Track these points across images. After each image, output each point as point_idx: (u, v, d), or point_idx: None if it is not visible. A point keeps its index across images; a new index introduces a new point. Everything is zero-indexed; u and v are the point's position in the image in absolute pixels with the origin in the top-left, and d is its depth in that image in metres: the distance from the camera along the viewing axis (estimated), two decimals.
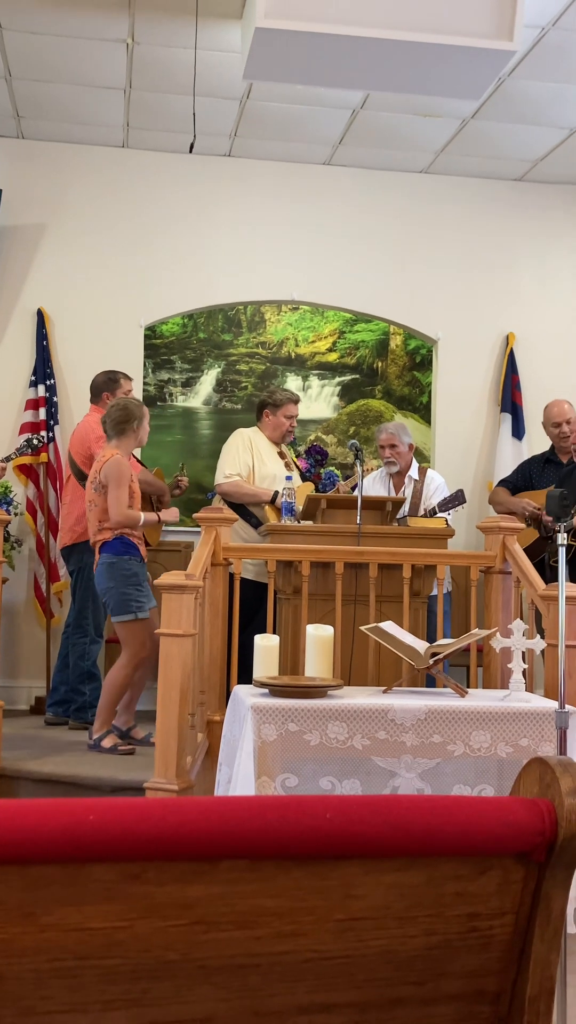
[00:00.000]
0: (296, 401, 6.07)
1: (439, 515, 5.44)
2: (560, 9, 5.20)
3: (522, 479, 6.21)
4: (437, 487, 5.92)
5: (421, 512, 5.69)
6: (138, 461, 5.93)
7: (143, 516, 5.04)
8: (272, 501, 5.62)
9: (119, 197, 7.01)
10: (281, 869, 1.38)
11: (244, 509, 5.77)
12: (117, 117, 6.60)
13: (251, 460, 5.80)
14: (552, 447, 6.19)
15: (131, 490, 5.10)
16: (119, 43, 5.68)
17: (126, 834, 1.30)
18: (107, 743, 5.12)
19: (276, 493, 5.62)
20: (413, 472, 5.98)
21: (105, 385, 5.97)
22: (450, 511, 5.49)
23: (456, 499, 5.46)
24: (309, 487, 5.83)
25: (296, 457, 6.70)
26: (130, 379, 6.11)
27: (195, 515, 4.83)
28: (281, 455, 5.97)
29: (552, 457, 6.17)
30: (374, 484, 6.04)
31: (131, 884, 1.33)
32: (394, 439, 5.92)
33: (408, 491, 5.89)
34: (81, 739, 5.44)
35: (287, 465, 5.93)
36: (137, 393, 6.96)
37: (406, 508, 5.70)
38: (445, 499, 5.54)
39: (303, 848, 1.38)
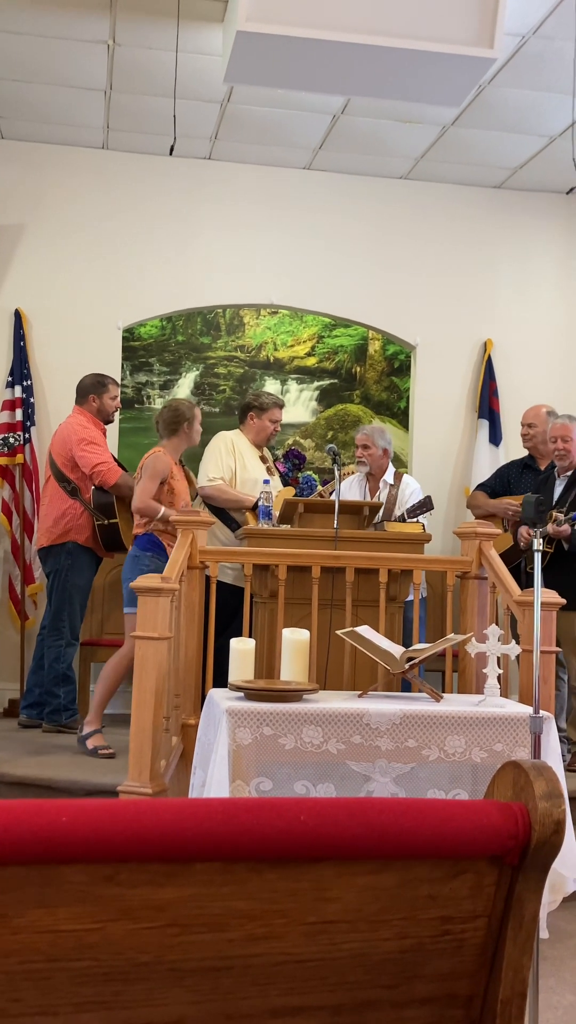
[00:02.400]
0: (281, 406, 6.08)
1: (408, 522, 5.46)
2: (541, 18, 5.22)
3: (500, 484, 6.24)
4: (412, 492, 5.93)
5: (394, 518, 5.71)
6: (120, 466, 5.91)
7: (163, 510, 5.12)
8: (255, 507, 5.62)
9: (98, 198, 7.00)
10: (254, 871, 1.37)
11: (225, 513, 5.75)
12: (97, 118, 6.59)
13: (234, 464, 5.79)
14: (530, 452, 6.22)
15: (171, 487, 5.24)
16: (100, 44, 5.67)
17: (99, 836, 1.30)
18: (91, 743, 5.16)
19: (259, 499, 5.61)
20: (388, 477, 5.99)
21: (93, 388, 5.96)
22: (418, 517, 5.52)
23: (424, 506, 5.49)
24: (291, 491, 5.82)
25: (274, 461, 6.70)
26: (117, 385, 6.12)
27: (171, 517, 4.82)
28: (263, 459, 5.96)
29: (530, 462, 6.20)
30: (351, 488, 6.05)
31: (104, 886, 1.33)
32: (368, 440, 5.94)
33: (383, 496, 5.90)
34: (55, 742, 5.43)
35: (268, 470, 5.92)
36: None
37: (382, 512, 5.71)
38: (414, 505, 5.56)
39: (276, 850, 1.37)
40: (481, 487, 6.35)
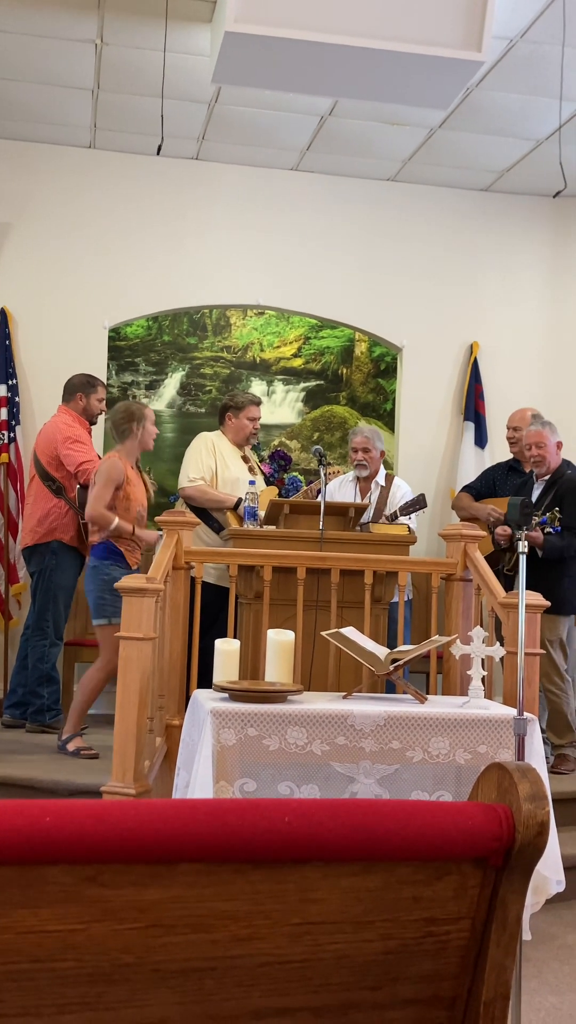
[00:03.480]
0: (258, 403, 6.04)
1: (400, 519, 5.47)
2: (529, 21, 5.24)
3: (486, 486, 6.26)
4: (403, 495, 5.94)
5: (384, 517, 5.72)
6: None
7: (117, 521, 5.00)
8: (235, 507, 5.61)
9: (85, 198, 6.98)
10: (238, 873, 1.37)
11: (207, 514, 5.75)
12: (85, 118, 6.57)
13: (215, 464, 5.78)
14: (515, 456, 6.24)
15: (126, 493, 5.10)
16: (88, 43, 5.66)
17: (83, 836, 1.29)
18: (72, 746, 5.14)
19: (239, 500, 5.60)
20: (380, 479, 6.00)
21: (82, 387, 5.94)
22: (411, 515, 5.52)
23: (418, 503, 5.50)
24: (273, 491, 5.82)
25: (260, 462, 6.69)
26: (105, 387, 6.11)
27: (157, 518, 4.81)
28: (245, 459, 5.95)
29: (515, 465, 6.22)
30: (341, 488, 6.05)
31: (87, 887, 1.32)
32: (368, 443, 5.94)
33: (374, 497, 5.91)
34: (38, 742, 5.41)
35: (251, 469, 5.91)
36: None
37: (370, 514, 5.72)
38: (407, 503, 5.56)
39: (261, 852, 1.37)
40: (466, 489, 6.37)
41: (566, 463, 5.64)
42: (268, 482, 6.29)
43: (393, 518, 5.61)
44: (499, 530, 5.65)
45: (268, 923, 1.39)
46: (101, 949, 1.34)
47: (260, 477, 5.97)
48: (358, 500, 5.89)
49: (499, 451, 7.04)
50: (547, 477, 5.53)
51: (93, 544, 5.16)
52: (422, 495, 5.60)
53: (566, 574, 5.37)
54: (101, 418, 6.14)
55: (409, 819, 1.42)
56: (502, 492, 6.09)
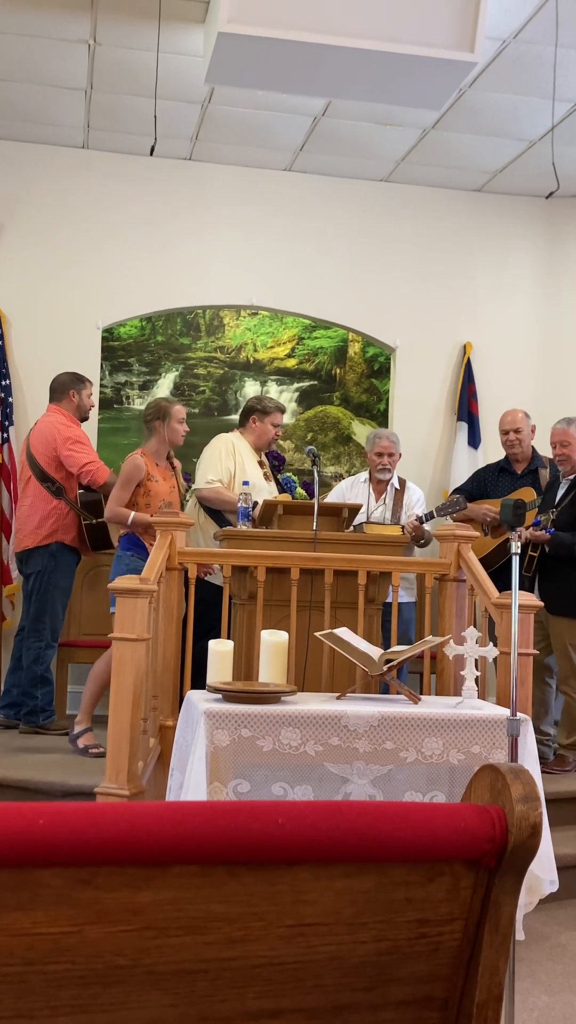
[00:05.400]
0: (283, 411, 6.08)
1: (437, 519, 5.66)
2: (522, 22, 5.24)
3: (477, 487, 6.26)
4: (418, 498, 6.08)
5: (404, 519, 5.86)
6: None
7: (133, 515, 5.13)
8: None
9: (78, 198, 6.98)
10: (232, 874, 1.37)
11: (220, 515, 5.73)
12: (78, 118, 6.57)
13: (233, 466, 5.75)
14: (506, 456, 6.24)
15: (147, 488, 5.28)
16: (81, 43, 5.66)
17: (76, 839, 1.29)
18: (82, 742, 5.20)
19: (255, 503, 5.60)
20: (395, 482, 6.07)
21: (72, 384, 5.93)
22: (447, 515, 5.66)
23: (456, 504, 5.74)
24: (285, 498, 5.78)
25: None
26: (91, 383, 6.09)
27: (152, 519, 4.81)
28: (261, 464, 5.93)
29: (506, 466, 6.22)
30: (353, 489, 6.09)
31: (81, 889, 1.32)
32: (392, 448, 6.07)
33: (389, 499, 5.97)
34: (32, 743, 5.42)
35: (265, 475, 5.89)
36: (94, 395, 6.93)
37: (386, 516, 5.80)
38: (445, 504, 5.79)
39: (254, 853, 1.37)
40: (458, 491, 6.38)
41: None
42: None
43: (428, 517, 5.83)
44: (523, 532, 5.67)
45: (261, 925, 1.39)
46: (95, 951, 1.34)
47: (274, 484, 5.96)
48: (372, 502, 5.94)
49: (492, 451, 7.05)
50: (572, 476, 5.51)
51: (121, 536, 5.35)
52: (461, 497, 5.74)
53: None
54: (96, 415, 6.15)
55: (402, 820, 1.43)
56: (494, 493, 6.10)
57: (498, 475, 6.23)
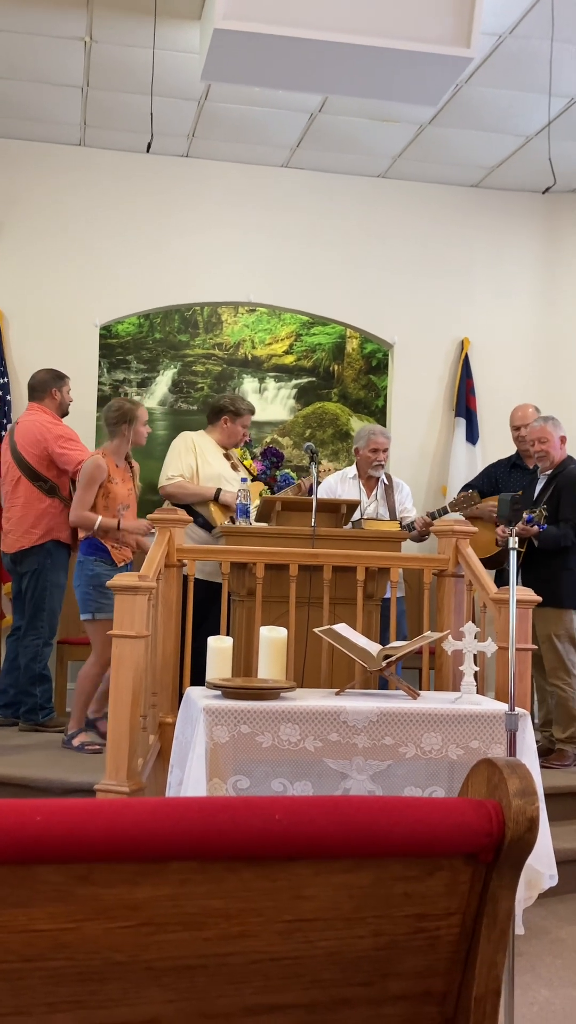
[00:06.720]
0: (254, 412, 6.12)
1: (450, 515, 5.67)
2: (517, 18, 5.24)
3: (488, 483, 6.24)
4: (407, 493, 6.09)
5: (412, 513, 5.90)
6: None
7: (100, 520, 5.07)
8: (216, 498, 5.62)
9: (76, 195, 6.97)
10: (230, 870, 1.37)
11: (190, 509, 5.74)
12: (74, 115, 6.56)
13: (194, 461, 5.76)
14: (517, 451, 6.24)
15: (107, 490, 5.19)
16: (77, 41, 5.65)
17: (74, 835, 1.29)
18: (77, 741, 5.20)
19: (219, 490, 5.62)
20: (383, 477, 6.07)
21: (53, 381, 5.91)
22: (461, 511, 5.73)
23: (469, 500, 5.73)
24: (259, 487, 5.82)
25: (251, 459, 6.68)
26: (69, 379, 6.06)
27: (149, 516, 4.81)
28: (227, 456, 5.94)
29: (518, 461, 6.22)
30: (343, 484, 6.08)
31: (79, 885, 1.32)
32: (388, 445, 6.10)
33: (379, 494, 5.97)
34: (31, 740, 5.42)
35: (233, 466, 5.91)
36: (92, 393, 6.93)
37: (378, 511, 5.80)
38: (457, 499, 5.79)
39: (252, 849, 1.38)
40: (469, 487, 6.34)
41: (570, 458, 5.67)
42: (260, 480, 6.30)
43: (442, 512, 5.84)
44: (498, 530, 5.68)
45: (260, 920, 1.39)
46: (93, 948, 1.34)
47: (243, 473, 5.97)
48: (365, 498, 5.94)
49: (490, 447, 7.05)
50: (550, 472, 5.56)
51: (80, 540, 5.27)
52: (475, 492, 5.75)
53: (566, 567, 5.39)
54: (93, 414, 6.14)
55: (399, 816, 1.43)
56: (505, 489, 6.08)
57: (509, 471, 6.23)
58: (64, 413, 5.96)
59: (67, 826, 1.29)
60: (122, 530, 5.20)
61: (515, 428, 6.21)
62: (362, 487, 6.03)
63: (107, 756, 3.89)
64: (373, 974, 1.46)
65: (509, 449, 6.46)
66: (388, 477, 6.11)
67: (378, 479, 6.03)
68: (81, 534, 5.24)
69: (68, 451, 5.67)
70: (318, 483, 5.03)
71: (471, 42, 4.89)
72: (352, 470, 6.15)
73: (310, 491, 6.12)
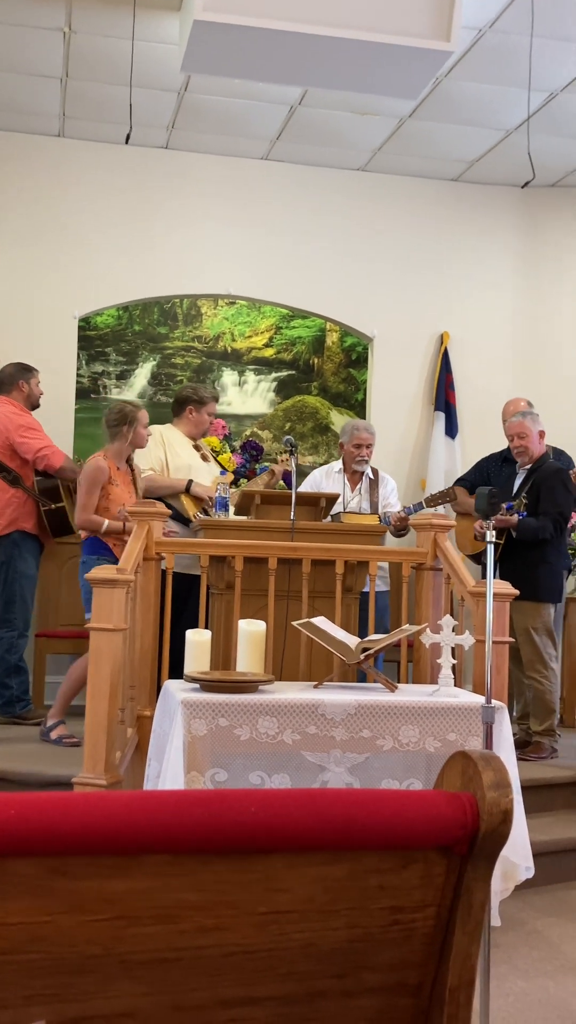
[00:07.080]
0: (218, 399, 6.14)
1: (426, 509, 5.63)
2: (497, 11, 5.24)
3: (479, 477, 6.24)
4: (392, 489, 6.07)
5: (380, 509, 5.86)
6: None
7: (107, 523, 5.08)
8: (187, 490, 5.62)
9: (54, 186, 6.94)
10: (204, 863, 1.38)
11: (164, 503, 5.73)
12: (53, 106, 6.53)
13: (163, 454, 5.77)
14: (509, 446, 6.25)
15: (107, 492, 5.19)
16: (56, 31, 5.62)
17: (48, 829, 1.29)
18: (55, 734, 5.20)
19: (190, 481, 5.62)
20: (369, 471, 6.07)
21: (20, 374, 5.90)
22: (438, 506, 5.68)
23: (447, 495, 5.74)
24: (228, 478, 5.82)
25: (231, 452, 6.68)
26: (38, 371, 6.03)
27: (127, 509, 4.81)
28: (196, 448, 5.94)
29: (509, 456, 6.23)
30: (328, 478, 6.08)
31: (53, 879, 1.32)
32: (372, 440, 6.07)
33: (364, 489, 5.97)
34: (9, 733, 5.41)
35: (203, 457, 5.91)
36: (70, 385, 6.91)
37: (363, 506, 5.80)
38: (435, 494, 5.79)
39: (227, 842, 1.38)
40: (460, 482, 6.32)
41: (549, 452, 5.70)
42: (239, 473, 6.29)
43: (418, 508, 5.83)
44: (476, 524, 5.70)
45: (234, 913, 1.40)
46: (68, 941, 1.34)
47: (214, 464, 5.97)
48: (348, 492, 5.94)
49: (470, 441, 7.07)
50: (529, 466, 5.60)
51: (83, 541, 5.27)
52: (452, 488, 5.76)
53: (543, 560, 5.42)
54: (73, 406, 6.11)
55: (374, 808, 1.43)
56: (496, 483, 6.08)
57: (501, 465, 6.23)
58: (34, 406, 5.95)
59: (41, 819, 1.29)
60: (127, 532, 5.21)
61: (505, 422, 6.22)
62: (346, 481, 6.04)
63: (85, 749, 3.88)
64: (348, 966, 1.47)
65: (488, 443, 6.47)
66: (375, 472, 6.11)
67: (363, 474, 6.03)
68: (83, 534, 5.24)
69: (28, 440, 5.67)
70: (296, 474, 5.03)
71: (451, 36, 4.89)
72: (338, 464, 6.15)
73: (284, 477, 6.12)
